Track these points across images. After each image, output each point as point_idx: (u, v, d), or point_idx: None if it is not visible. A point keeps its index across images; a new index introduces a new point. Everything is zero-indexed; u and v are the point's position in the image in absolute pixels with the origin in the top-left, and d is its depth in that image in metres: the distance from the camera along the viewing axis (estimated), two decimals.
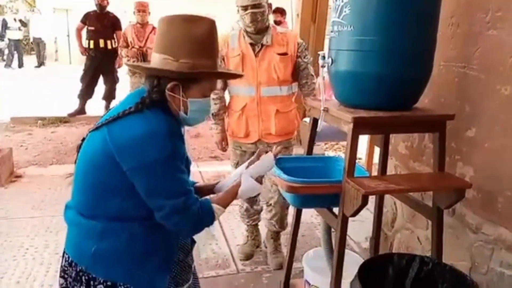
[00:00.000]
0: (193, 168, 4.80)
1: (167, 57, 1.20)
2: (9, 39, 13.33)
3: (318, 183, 1.65)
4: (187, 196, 1.21)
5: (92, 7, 6.02)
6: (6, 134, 5.32)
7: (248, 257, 2.74)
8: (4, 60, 13.67)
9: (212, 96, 2.53)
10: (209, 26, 1.24)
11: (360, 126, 1.57)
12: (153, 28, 5.26)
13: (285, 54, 2.38)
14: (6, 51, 13.59)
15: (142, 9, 5.15)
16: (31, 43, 14.54)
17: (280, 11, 6.38)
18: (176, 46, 1.20)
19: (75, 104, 6.19)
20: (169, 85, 1.21)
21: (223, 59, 2.45)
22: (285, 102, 2.47)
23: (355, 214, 1.54)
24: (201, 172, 4.40)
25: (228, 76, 1.38)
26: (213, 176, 4.31)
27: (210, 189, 1.51)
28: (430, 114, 1.72)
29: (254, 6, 2.27)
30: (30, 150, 4.78)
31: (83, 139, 1.27)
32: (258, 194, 2.67)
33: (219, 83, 2.51)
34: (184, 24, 1.21)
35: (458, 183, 1.66)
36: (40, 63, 13.62)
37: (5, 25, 13.53)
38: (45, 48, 13.90)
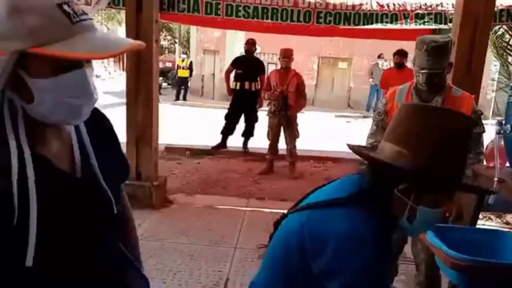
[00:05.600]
0: None
1: (401, 150, 0.99)
2: (179, 77, 15.49)
3: (493, 264, 1.48)
4: None
5: (236, 50, 6.59)
6: (160, 162, 6.02)
7: None
8: (161, 94, 15.78)
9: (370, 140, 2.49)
10: (468, 124, 1.05)
11: None
12: (295, 73, 5.51)
13: None
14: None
15: (287, 56, 5.46)
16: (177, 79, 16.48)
17: (401, 53, 6.17)
18: (417, 138, 0.99)
19: (216, 136, 6.75)
20: (401, 187, 0.99)
21: (386, 113, 2.42)
22: None
23: None
24: None
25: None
26: None
27: None
28: None
29: (432, 69, 2.15)
30: (180, 179, 5.34)
31: (282, 217, 1.18)
32: None
33: (380, 134, 2.44)
34: (435, 115, 1.02)
35: None
36: (178, 97, 15.29)
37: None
38: (188, 85, 15.59)
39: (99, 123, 1.00)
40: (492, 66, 10.50)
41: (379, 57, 12.35)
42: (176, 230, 3.68)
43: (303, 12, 4.19)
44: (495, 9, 3.98)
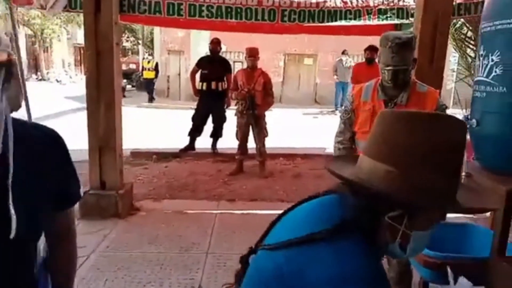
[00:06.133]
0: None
1: (389, 169, 0.84)
2: (144, 79, 15.23)
3: (463, 260, 1.48)
4: None
5: (201, 49, 6.49)
6: (126, 167, 5.83)
7: None
8: (125, 97, 15.42)
9: (338, 146, 2.46)
10: (463, 129, 0.88)
11: None
12: (262, 72, 5.47)
13: None
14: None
15: (253, 55, 5.40)
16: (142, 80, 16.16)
17: (372, 48, 6.30)
18: (407, 154, 0.84)
19: (184, 139, 6.60)
20: (393, 214, 0.85)
21: (353, 111, 2.40)
22: None
23: None
24: None
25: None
26: None
27: None
28: None
29: (397, 65, 2.14)
30: (147, 184, 5.17)
31: (250, 251, 1.01)
32: None
33: (348, 133, 2.44)
34: (424, 124, 0.86)
35: None
36: (150, 99, 15.02)
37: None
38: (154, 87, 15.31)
39: (49, 145, 0.99)
40: (451, 58, 10.84)
41: (342, 53, 12.44)
42: (144, 238, 3.54)
43: (267, 11, 4.13)
44: (454, 3, 4.08)
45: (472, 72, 6.20)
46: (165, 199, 4.65)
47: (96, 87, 3.87)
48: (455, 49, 6.89)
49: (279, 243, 0.88)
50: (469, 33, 6.12)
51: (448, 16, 3.97)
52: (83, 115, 4.13)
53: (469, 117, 1.58)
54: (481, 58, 1.55)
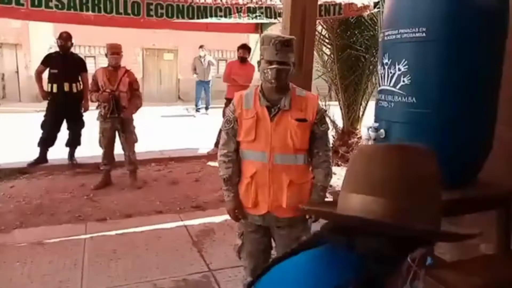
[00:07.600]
0: (177, 222, 4.29)
1: (401, 205, 0.75)
2: None
3: None
4: None
5: (43, 43, 5.58)
6: None
7: None
8: None
9: (224, 159, 2.29)
10: (433, 156, 0.83)
11: None
12: (126, 71, 4.93)
13: (303, 120, 2.18)
14: None
15: (117, 52, 4.81)
16: None
17: (245, 47, 6.47)
18: (420, 188, 0.77)
19: (33, 150, 5.61)
20: (417, 252, 0.74)
21: (235, 120, 2.24)
22: (300, 172, 2.23)
23: None
24: (186, 226, 4.03)
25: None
26: (200, 230, 3.97)
27: None
28: (496, 193, 1.56)
29: (281, 63, 2.08)
30: None
31: None
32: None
33: (232, 144, 2.28)
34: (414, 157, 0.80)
35: None
36: None
37: None
38: None
39: None
40: None
41: (200, 47, 12.04)
42: None
43: (130, 4, 3.67)
44: None
45: (329, 69, 6.73)
46: (16, 228, 3.82)
47: None
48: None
49: None
50: (324, 32, 6.57)
51: (314, 17, 4.11)
52: None
53: (377, 127, 1.54)
54: (385, 67, 1.51)
